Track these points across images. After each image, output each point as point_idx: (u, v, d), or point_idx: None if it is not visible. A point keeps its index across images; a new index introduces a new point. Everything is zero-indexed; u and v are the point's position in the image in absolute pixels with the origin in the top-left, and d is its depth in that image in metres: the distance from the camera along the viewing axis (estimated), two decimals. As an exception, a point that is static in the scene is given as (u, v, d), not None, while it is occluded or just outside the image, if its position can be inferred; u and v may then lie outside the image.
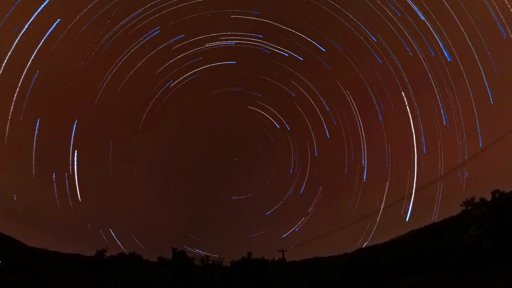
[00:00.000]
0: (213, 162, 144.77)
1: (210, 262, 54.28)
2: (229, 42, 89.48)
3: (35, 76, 74.88)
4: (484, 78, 73.97)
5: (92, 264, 45.04)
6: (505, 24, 66.31)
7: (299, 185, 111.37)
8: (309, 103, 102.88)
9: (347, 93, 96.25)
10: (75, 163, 79.12)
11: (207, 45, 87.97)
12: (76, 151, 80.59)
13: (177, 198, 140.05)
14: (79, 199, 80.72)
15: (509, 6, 64.29)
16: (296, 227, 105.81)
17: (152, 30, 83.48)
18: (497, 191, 43.46)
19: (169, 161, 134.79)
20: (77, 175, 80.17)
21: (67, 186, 79.22)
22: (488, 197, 43.55)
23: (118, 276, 41.12)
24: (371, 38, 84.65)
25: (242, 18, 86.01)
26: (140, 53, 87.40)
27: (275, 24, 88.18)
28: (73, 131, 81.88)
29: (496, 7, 66.20)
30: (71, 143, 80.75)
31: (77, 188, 79.81)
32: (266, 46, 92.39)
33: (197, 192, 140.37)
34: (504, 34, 67.26)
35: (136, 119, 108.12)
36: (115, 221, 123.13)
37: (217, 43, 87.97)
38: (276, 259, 59.82)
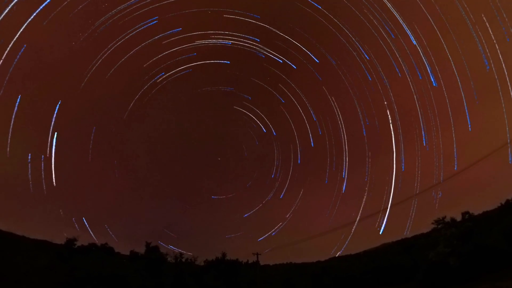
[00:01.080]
0: (196, 159, 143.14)
1: (184, 260, 53.61)
2: (226, 41, 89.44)
3: (22, 50, 71.33)
4: (465, 105, 78.02)
5: (61, 252, 43.32)
6: (490, 58, 70.42)
7: (279, 190, 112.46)
8: (297, 111, 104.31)
9: (335, 105, 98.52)
10: (54, 145, 75.68)
11: (197, 42, 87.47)
12: (56, 133, 77.09)
13: (156, 192, 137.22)
14: (54, 183, 77.27)
15: (494, 41, 68.29)
16: (273, 231, 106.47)
17: (150, 19, 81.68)
18: (467, 212, 45.60)
19: (152, 154, 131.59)
20: (54, 158, 76.77)
21: (43, 168, 75.62)
22: (458, 218, 45.57)
23: (87, 267, 39.94)
24: (364, 55, 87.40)
25: (241, 19, 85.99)
26: (134, 41, 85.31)
27: (273, 29, 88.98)
28: (55, 112, 78.46)
29: (483, 41, 70.31)
30: (52, 124, 77.26)
31: (53, 172, 76.45)
32: (262, 50, 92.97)
33: (177, 188, 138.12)
34: (488, 67, 71.35)
35: (122, 107, 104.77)
36: (89, 210, 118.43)
37: (213, 41, 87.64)
38: (250, 262, 60.08)
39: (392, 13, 75.99)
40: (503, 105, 70.63)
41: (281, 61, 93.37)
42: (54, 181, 75.59)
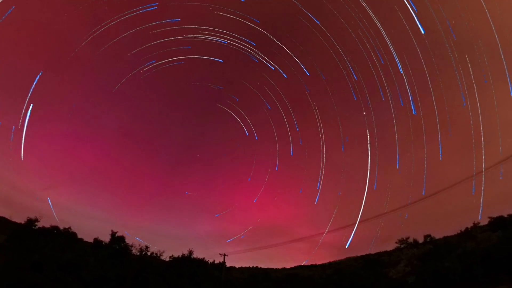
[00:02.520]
0: (174, 152, 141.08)
1: (149, 254, 52.29)
2: (222, 40, 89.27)
3: (9, 11, 67.47)
4: (439, 136, 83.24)
5: (19, 232, 40.99)
6: (467, 95, 75.94)
7: (253, 194, 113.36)
8: (281, 119, 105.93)
9: (318, 119, 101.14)
10: (27, 117, 71.97)
11: (193, 35, 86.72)
12: (32, 104, 73.42)
13: (128, 179, 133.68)
14: (21, 157, 73.41)
15: (473, 80, 73.66)
16: (242, 234, 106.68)
17: (150, 5, 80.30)
18: (429, 235, 48.07)
19: (129, 139, 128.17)
20: (26, 131, 73.00)
21: (12, 140, 71.72)
22: (421, 240, 48.03)
23: (46, 251, 38.06)
24: (353, 75, 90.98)
25: (241, 21, 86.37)
26: (130, 24, 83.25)
27: (270, 36, 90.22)
28: (35, 82, 74.71)
29: (463, 79, 75.72)
30: (29, 94, 73.46)
31: (22, 145, 72.61)
32: (256, 55, 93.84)
33: (151, 178, 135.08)
34: (464, 104, 76.85)
35: (106, 89, 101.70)
36: (56, 191, 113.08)
37: (210, 37, 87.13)
38: (216, 262, 59.67)
39: (385, 40, 79.72)
40: (473, 141, 75.85)
41: (273, 68, 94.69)
42: (22, 154, 71.82)
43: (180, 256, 55.61)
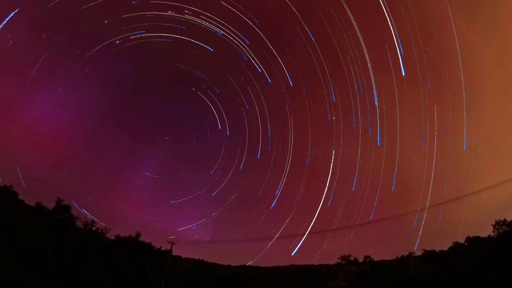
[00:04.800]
0: (142, 129, 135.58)
1: (94, 229, 49.86)
2: (218, 30, 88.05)
3: None
4: (396, 169, 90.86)
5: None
6: (428, 140, 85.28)
7: (213, 188, 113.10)
8: (256, 121, 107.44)
9: (291, 129, 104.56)
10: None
11: (187, 16, 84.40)
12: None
13: (88, 147, 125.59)
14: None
15: (436, 128, 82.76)
16: (194, 225, 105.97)
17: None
18: (369, 257, 51.66)
19: (97, 106, 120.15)
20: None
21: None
22: (361, 259, 51.43)
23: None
24: (332, 96, 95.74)
25: (241, 16, 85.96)
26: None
27: (265, 39, 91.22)
28: (7, 19, 67.39)
29: (428, 125, 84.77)
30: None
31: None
32: (247, 53, 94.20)
33: (112, 152, 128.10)
34: (423, 146, 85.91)
35: (86, 47, 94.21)
36: (3, 144, 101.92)
37: (206, 23, 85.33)
38: (163, 249, 58.47)
39: (369, 72, 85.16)
40: (423, 180, 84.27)
41: (260, 70, 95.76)
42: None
43: (126, 237, 53.75)
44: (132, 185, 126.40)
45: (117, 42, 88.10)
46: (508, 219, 41.06)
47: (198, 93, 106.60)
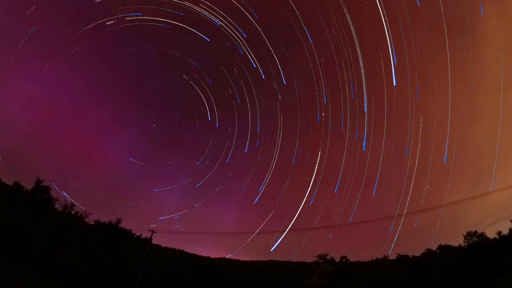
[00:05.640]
0: (130, 114, 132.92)
1: (73, 212, 48.86)
2: (217, 20, 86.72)
3: None
4: (378, 175, 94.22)
5: None
6: (411, 149, 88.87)
7: (198, 179, 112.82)
8: (246, 116, 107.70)
9: (280, 127, 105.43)
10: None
11: (186, 3, 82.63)
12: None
13: (73, 128, 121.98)
14: None
15: (420, 139, 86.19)
16: (176, 215, 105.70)
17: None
18: (345, 257, 53.31)
19: (85, 86, 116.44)
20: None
21: None
22: (337, 259, 53.10)
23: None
24: (324, 99, 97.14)
25: (241, 10, 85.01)
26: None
27: (263, 35, 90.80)
28: None
29: (412, 135, 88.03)
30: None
31: None
32: (244, 47, 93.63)
33: (97, 135, 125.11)
34: (406, 155, 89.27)
35: (77, 24, 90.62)
36: None
37: (205, 13, 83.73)
38: (143, 237, 58.12)
39: (361, 78, 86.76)
40: (403, 188, 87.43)
41: (255, 65, 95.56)
42: None
43: (106, 223, 53.05)
44: (115, 170, 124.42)
45: (112, 22, 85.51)
46: (479, 231, 43.34)
47: (191, 82, 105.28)
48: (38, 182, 46.11)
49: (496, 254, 38.06)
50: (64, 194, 72.85)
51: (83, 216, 49.78)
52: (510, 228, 41.57)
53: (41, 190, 45.87)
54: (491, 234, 42.81)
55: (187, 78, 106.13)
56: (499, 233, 42.03)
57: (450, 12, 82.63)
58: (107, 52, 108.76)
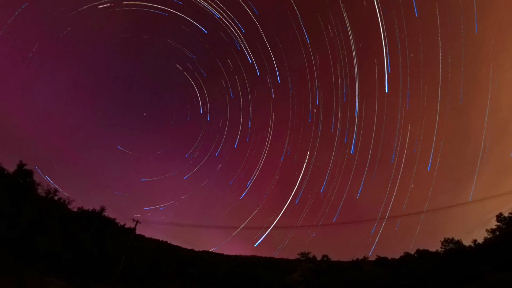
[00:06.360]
0: (120, 101, 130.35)
1: (56, 198, 47.85)
2: (216, 13, 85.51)
3: None
4: (364, 178, 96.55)
5: None
6: (397, 154, 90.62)
7: (186, 171, 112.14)
8: (238, 111, 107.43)
9: (272, 124, 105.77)
10: None
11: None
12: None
13: (63, 112, 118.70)
14: None
15: (406, 147, 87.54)
16: (162, 206, 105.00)
17: None
18: (326, 256, 54.42)
19: (74, 69, 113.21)
20: None
21: None
22: (319, 258, 54.13)
23: None
24: (316, 100, 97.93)
25: (240, 4, 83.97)
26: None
27: (261, 31, 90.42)
28: None
29: (400, 142, 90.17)
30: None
31: None
32: (241, 42, 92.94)
33: (86, 121, 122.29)
34: (392, 161, 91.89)
35: (74, 4, 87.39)
36: None
37: (205, 4, 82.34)
38: (127, 226, 57.58)
39: (355, 83, 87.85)
40: (387, 192, 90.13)
41: (251, 61, 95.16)
42: None
43: (89, 210, 52.26)
44: (102, 157, 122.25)
45: (108, 5, 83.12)
46: (456, 238, 45.08)
47: (184, 73, 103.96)
48: (20, 165, 44.96)
49: (470, 262, 39.74)
50: (47, 179, 71.19)
51: (67, 202, 48.94)
52: (485, 237, 43.45)
53: (24, 174, 44.76)
54: (467, 242, 44.85)
55: (181, 68, 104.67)
56: (475, 241, 43.91)
57: (446, 26, 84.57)
58: (100, 36, 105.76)
